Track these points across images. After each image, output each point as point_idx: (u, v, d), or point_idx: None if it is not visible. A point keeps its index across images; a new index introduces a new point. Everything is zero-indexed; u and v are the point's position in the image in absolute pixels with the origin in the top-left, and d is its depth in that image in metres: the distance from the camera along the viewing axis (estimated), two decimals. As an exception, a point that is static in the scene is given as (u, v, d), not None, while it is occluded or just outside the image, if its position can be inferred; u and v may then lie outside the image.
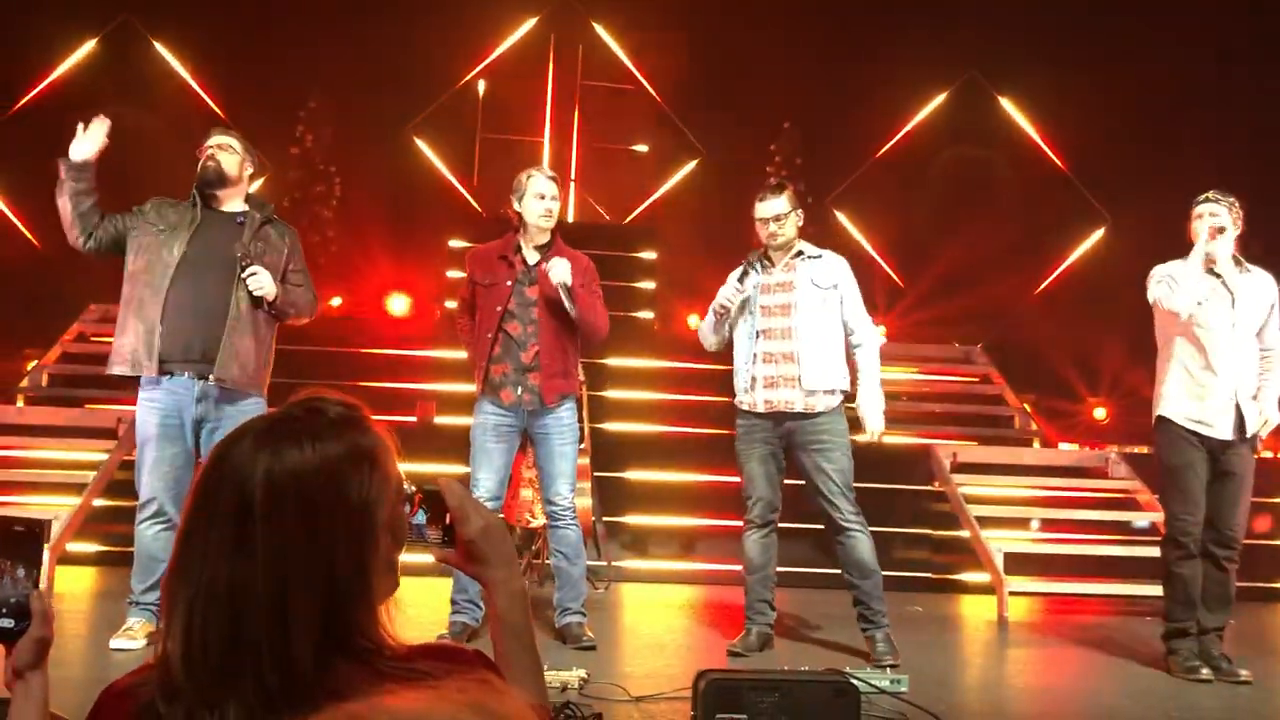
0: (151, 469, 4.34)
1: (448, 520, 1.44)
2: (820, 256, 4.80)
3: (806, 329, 4.65)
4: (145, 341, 4.27)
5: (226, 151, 4.45)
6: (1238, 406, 4.47)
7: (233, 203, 4.49)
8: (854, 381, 4.77)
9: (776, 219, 4.69)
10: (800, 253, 4.77)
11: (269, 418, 1.32)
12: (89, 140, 4.29)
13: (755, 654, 4.65)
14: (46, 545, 5.35)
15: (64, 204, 4.29)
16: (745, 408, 4.79)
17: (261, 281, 4.32)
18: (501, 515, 5.02)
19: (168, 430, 4.32)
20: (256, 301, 4.35)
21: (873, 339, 4.83)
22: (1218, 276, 4.51)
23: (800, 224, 4.80)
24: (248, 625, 1.21)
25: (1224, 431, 4.48)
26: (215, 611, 1.21)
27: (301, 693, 1.19)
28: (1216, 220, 4.47)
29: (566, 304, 4.56)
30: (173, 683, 1.22)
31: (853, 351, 4.78)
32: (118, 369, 4.36)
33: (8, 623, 1.47)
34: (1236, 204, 4.51)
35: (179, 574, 1.25)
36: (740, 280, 4.72)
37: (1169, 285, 4.49)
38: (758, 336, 4.72)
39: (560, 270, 4.51)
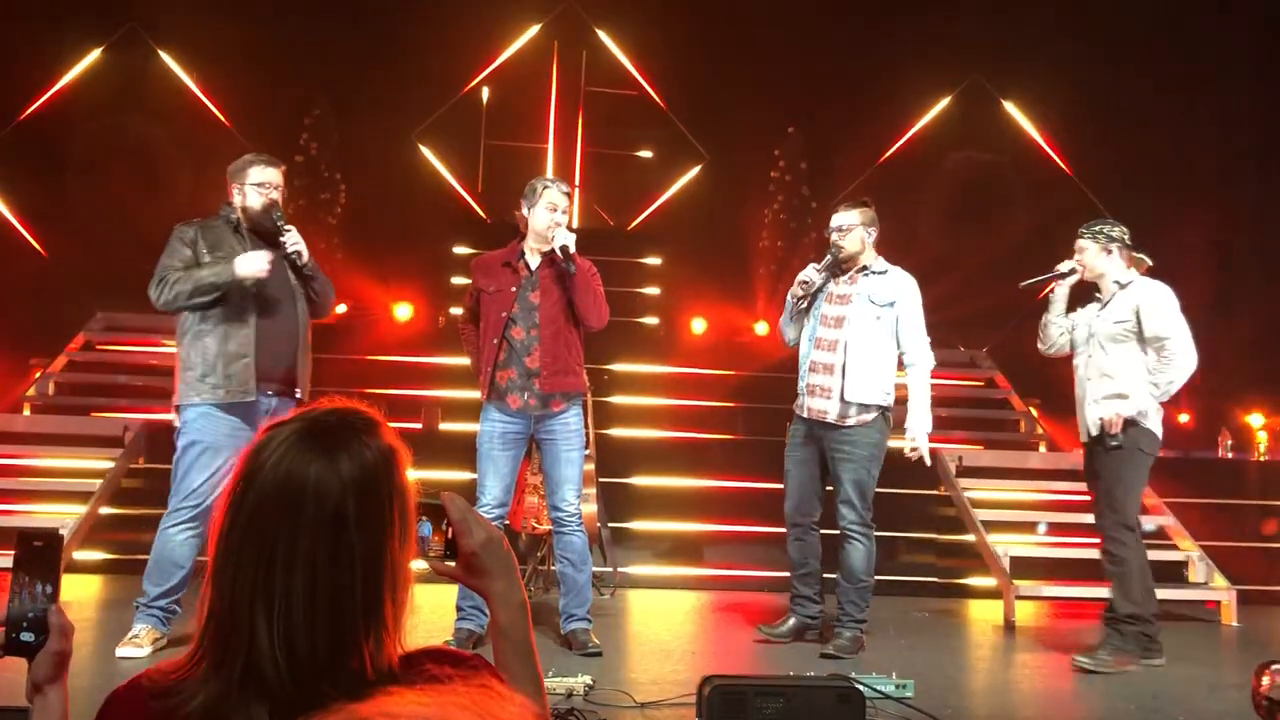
0: (213, 474, 4.34)
1: (449, 533, 1.45)
2: (885, 273, 4.91)
3: (855, 344, 4.78)
4: (242, 368, 4.33)
5: (280, 192, 4.51)
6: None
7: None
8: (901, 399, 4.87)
9: (839, 230, 4.87)
10: (865, 268, 4.88)
11: (309, 426, 1.34)
12: (260, 265, 4.30)
13: (786, 641, 4.90)
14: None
15: (198, 294, 4.30)
16: (796, 410, 4.97)
17: (298, 238, 4.44)
18: (506, 524, 5.02)
19: (237, 442, 4.31)
20: (296, 270, 4.46)
21: (924, 360, 4.86)
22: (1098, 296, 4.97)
23: (870, 241, 4.89)
24: (347, 627, 1.27)
25: (1082, 435, 4.95)
26: (319, 616, 1.26)
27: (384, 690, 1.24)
28: (1069, 262, 4.96)
29: (566, 267, 4.57)
30: (263, 688, 1.25)
31: (905, 369, 4.87)
32: (206, 395, 4.32)
33: (28, 637, 1.49)
34: (1104, 231, 4.90)
35: (257, 583, 1.26)
36: (821, 269, 4.86)
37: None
38: (814, 344, 4.88)
39: (562, 234, 4.56)
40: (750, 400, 8.33)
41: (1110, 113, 10.12)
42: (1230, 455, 8.64)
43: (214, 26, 9.98)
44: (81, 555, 6.17)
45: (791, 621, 4.97)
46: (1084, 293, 5.07)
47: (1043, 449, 8.49)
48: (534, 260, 4.72)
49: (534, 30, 11.15)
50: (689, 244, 10.14)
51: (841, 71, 10.40)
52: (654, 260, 9.99)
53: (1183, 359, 4.71)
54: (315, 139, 10.36)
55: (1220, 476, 7.87)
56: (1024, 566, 6.47)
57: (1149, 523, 7.10)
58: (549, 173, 10.13)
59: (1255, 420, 9.27)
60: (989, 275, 9.83)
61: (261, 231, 4.47)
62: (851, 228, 4.84)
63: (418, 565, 1.38)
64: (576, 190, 10.49)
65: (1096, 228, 4.93)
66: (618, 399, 8.16)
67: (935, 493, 7.36)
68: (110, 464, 6.72)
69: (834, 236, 4.88)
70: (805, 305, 4.93)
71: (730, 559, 6.79)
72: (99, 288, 9.17)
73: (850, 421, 4.77)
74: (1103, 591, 6.41)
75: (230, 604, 1.27)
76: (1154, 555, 6.71)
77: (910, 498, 7.30)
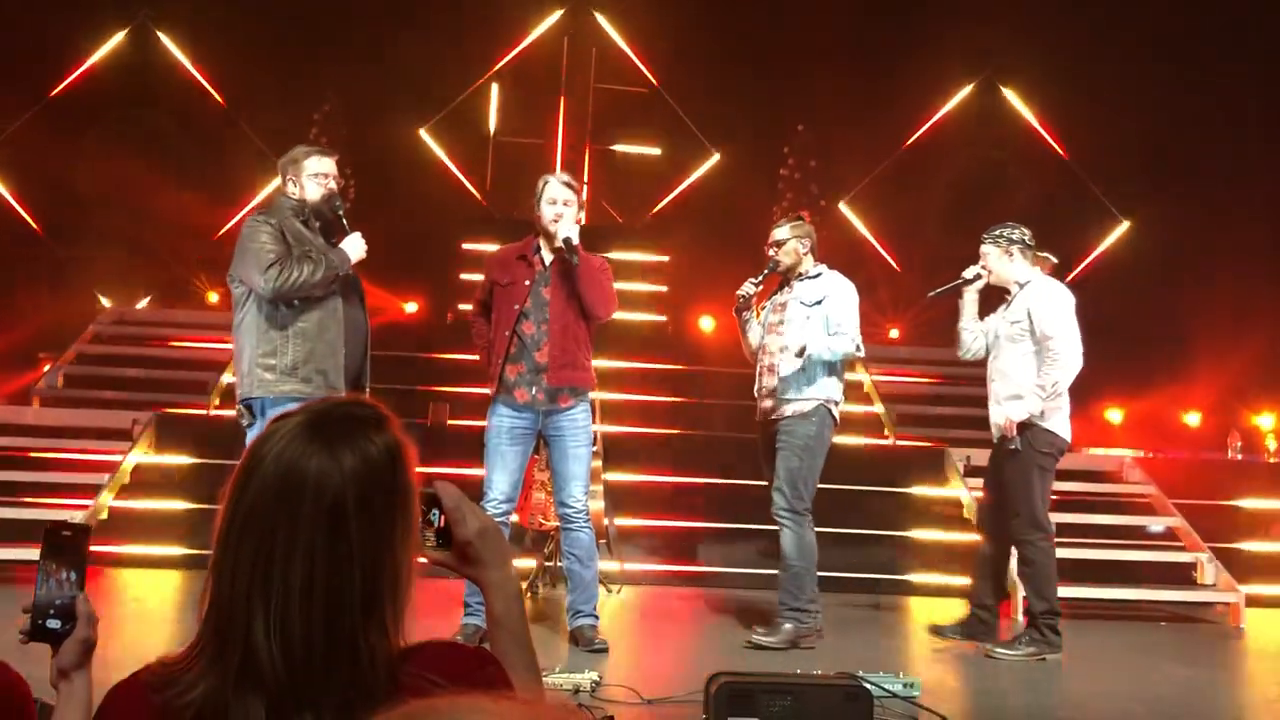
0: None
1: (442, 523, 1.45)
2: (818, 276, 5.02)
3: (787, 344, 4.87)
4: (334, 364, 4.26)
5: (338, 181, 4.50)
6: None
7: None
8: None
9: (775, 244, 5.04)
10: (801, 275, 5.01)
11: (314, 419, 1.33)
12: (363, 248, 4.38)
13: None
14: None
15: (325, 283, 4.22)
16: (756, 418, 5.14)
17: (363, 242, 4.43)
18: (514, 520, 5.02)
19: None
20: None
21: (845, 343, 4.81)
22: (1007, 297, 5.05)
23: (805, 252, 5.00)
24: (345, 621, 1.25)
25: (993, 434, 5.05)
26: (315, 610, 1.24)
27: (383, 686, 1.24)
28: (973, 269, 5.07)
29: (569, 259, 4.57)
30: (260, 681, 1.24)
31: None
32: (299, 387, 4.16)
33: (54, 624, 1.51)
34: (1004, 235, 4.99)
35: (255, 575, 1.26)
36: (757, 282, 5.03)
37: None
38: (760, 351, 5.07)
39: (565, 226, 4.56)
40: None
41: (1121, 109, 10.09)
42: (1240, 457, 8.61)
43: (225, 22, 10.02)
44: (89, 548, 6.18)
45: (788, 626, 4.89)
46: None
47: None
48: (548, 256, 4.72)
49: (544, 27, 11.15)
50: (697, 241, 10.13)
51: (852, 69, 10.39)
52: (662, 257, 9.98)
53: (1066, 359, 4.76)
54: (324, 134, 10.36)
55: (1230, 478, 7.83)
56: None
57: (1157, 524, 7.10)
58: (557, 169, 10.12)
59: (1265, 422, 9.23)
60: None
61: (323, 222, 4.42)
62: (785, 241, 5.00)
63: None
64: (585, 186, 10.48)
65: (997, 232, 5.04)
66: (624, 396, 8.15)
67: (943, 492, 7.35)
68: (119, 457, 6.73)
69: (771, 251, 5.05)
70: (746, 318, 5.10)
71: (736, 556, 6.78)
72: (110, 282, 9.21)
73: (788, 413, 4.88)
74: (1110, 592, 6.44)
75: (229, 596, 1.26)
76: (1162, 557, 6.74)
77: (918, 497, 7.30)
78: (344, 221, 4.43)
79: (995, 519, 5.12)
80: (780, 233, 5.04)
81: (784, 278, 5.07)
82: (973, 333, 5.11)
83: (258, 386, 4.18)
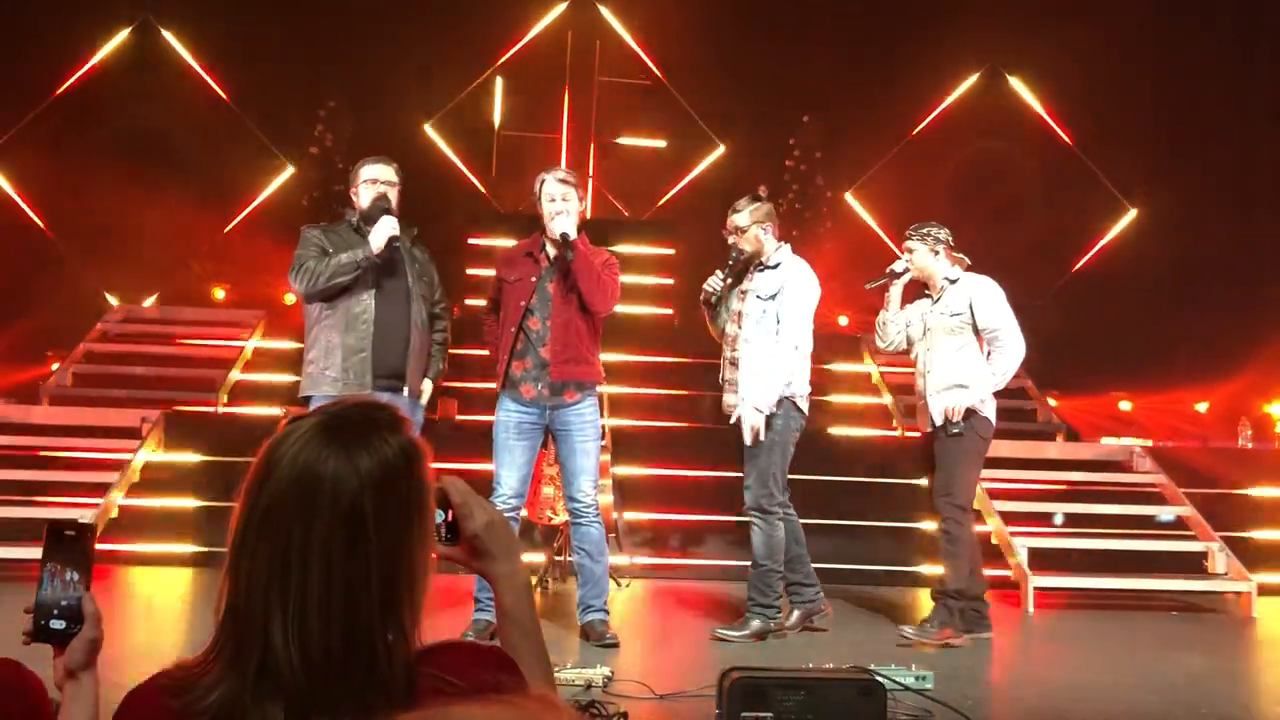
0: None
1: (450, 517, 1.44)
2: (776, 266, 4.92)
3: (747, 338, 4.83)
4: (358, 361, 4.45)
5: (394, 189, 4.64)
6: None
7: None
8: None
9: (735, 231, 4.93)
10: (762, 263, 4.92)
11: (330, 421, 1.32)
12: (388, 228, 4.45)
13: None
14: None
15: (337, 275, 4.40)
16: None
17: (389, 225, 4.49)
18: (523, 515, 5.02)
19: None
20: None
21: (792, 344, 4.76)
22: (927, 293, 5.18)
23: (767, 236, 4.89)
24: (363, 623, 1.25)
25: (925, 425, 5.15)
26: (333, 613, 1.24)
27: (401, 688, 1.25)
28: (900, 263, 5.18)
29: (565, 253, 4.58)
30: (278, 683, 1.23)
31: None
32: (326, 388, 4.42)
33: (58, 624, 1.50)
34: (930, 233, 5.13)
35: (272, 577, 1.25)
36: (725, 275, 4.94)
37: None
38: (725, 343, 5.00)
39: (562, 222, 4.56)
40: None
41: (1128, 97, 10.04)
42: (1250, 445, 8.58)
43: (228, 19, 10.01)
44: (98, 546, 6.19)
45: (795, 614, 4.97)
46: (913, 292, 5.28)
47: (1060, 439, 8.43)
48: (552, 252, 4.72)
49: (547, 20, 11.13)
50: (704, 234, 10.08)
51: (856, 59, 10.35)
52: (668, 250, 9.96)
53: (1012, 347, 4.98)
54: (329, 130, 10.37)
55: (1240, 466, 7.80)
56: (1041, 558, 6.44)
57: (1168, 514, 7.08)
58: (562, 163, 10.11)
59: (1276, 409, 9.20)
60: (1006, 263, 9.80)
61: (374, 225, 4.55)
62: (746, 228, 4.88)
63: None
64: (590, 179, 10.47)
65: (924, 230, 5.16)
66: (632, 389, 8.14)
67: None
68: (129, 455, 6.74)
69: (731, 239, 4.94)
70: (715, 309, 5.03)
71: (746, 549, 6.76)
72: (117, 280, 9.22)
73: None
74: (1121, 582, 6.43)
75: (246, 598, 1.26)
76: (1174, 547, 6.71)
77: (925, 489, 7.27)
78: (374, 206, 4.57)
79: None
80: (740, 219, 4.90)
81: (747, 266, 4.99)
82: (897, 325, 5.21)
83: (307, 385, 4.54)
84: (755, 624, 4.81)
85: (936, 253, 5.11)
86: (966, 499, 5.01)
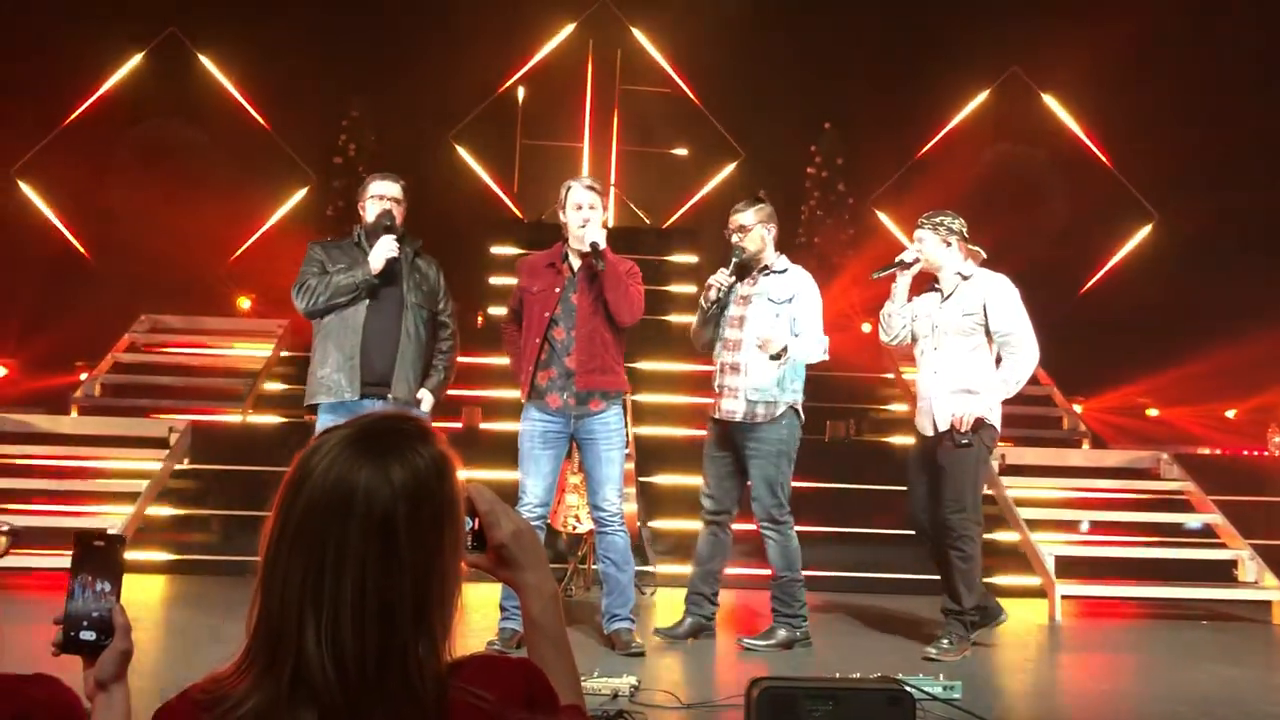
0: None
1: (477, 525, 1.45)
2: (785, 271, 4.88)
3: (753, 342, 4.71)
4: (348, 370, 4.60)
5: (399, 205, 4.79)
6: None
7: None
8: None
9: (739, 230, 4.85)
10: (766, 267, 4.86)
11: (361, 432, 1.34)
12: (387, 249, 4.62)
13: (682, 641, 4.85)
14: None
15: (336, 295, 4.61)
16: (711, 413, 4.99)
17: (388, 245, 4.65)
18: (547, 523, 5.03)
19: None
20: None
21: (811, 347, 4.74)
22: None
23: (770, 238, 4.86)
24: (396, 633, 1.25)
25: (926, 428, 4.86)
26: (367, 623, 1.25)
27: (433, 701, 1.25)
28: (910, 252, 4.91)
29: (595, 263, 4.58)
30: (312, 694, 1.24)
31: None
32: (322, 396, 4.63)
33: (88, 635, 1.50)
34: (943, 223, 4.86)
35: (306, 587, 1.26)
36: (730, 272, 4.83)
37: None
38: (721, 346, 4.90)
39: (592, 231, 4.56)
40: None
41: (1151, 104, 9.97)
42: (1279, 452, 8.50)
43: (253, 31, 10.10)
44: (128, 556, 6.23)
45: (688, 622, 4.92)
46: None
47: (1086, 446, 8.38)
48: (576, 261, 4.73)
49: (569, 29, 11.17)
50: (725, 242, 10.08)
51: (877, 67, 10.34)
52: (690, 258, 9.96)
53: (1025, 352, 4.72)
54: (353, 140, 10.44)
55: (1270, 474, 7.73)
56: (1068, 566, 6.39)
57: (1196, 521, 7.02)
58: (584, 171, 10.15)
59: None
60: (1028, 269, 9.74)
61: (377, 239, 4.70)
62: (751, 227, 4.82)
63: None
64: (612, 188, 10.49)
65: (936, 219, 4.89)
66: (656, 398, 8.14)
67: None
68: (157, 465, 6.79)
69: (734, 238, 4.85)
70: (717, 310, 4.88)
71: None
72: (144, 290, 9.30)
73: (758, 419, 4.76)
74: (1148, 591, 6.38)
75: (279, 608, 1.27)
76: (1202, 555, 6.65)
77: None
78: (397, 232, 4.72)
79: (936, 517, 4.80)
80: (744, 217, 4.83)
81: (746, 266, 4.88)
82: (902, 319, 4.93)
83: (308, 393, 4.73)
84: (781, 633, 4.80)
85: (949, 244, 4.85)
86: (979, 512, 4.78)
